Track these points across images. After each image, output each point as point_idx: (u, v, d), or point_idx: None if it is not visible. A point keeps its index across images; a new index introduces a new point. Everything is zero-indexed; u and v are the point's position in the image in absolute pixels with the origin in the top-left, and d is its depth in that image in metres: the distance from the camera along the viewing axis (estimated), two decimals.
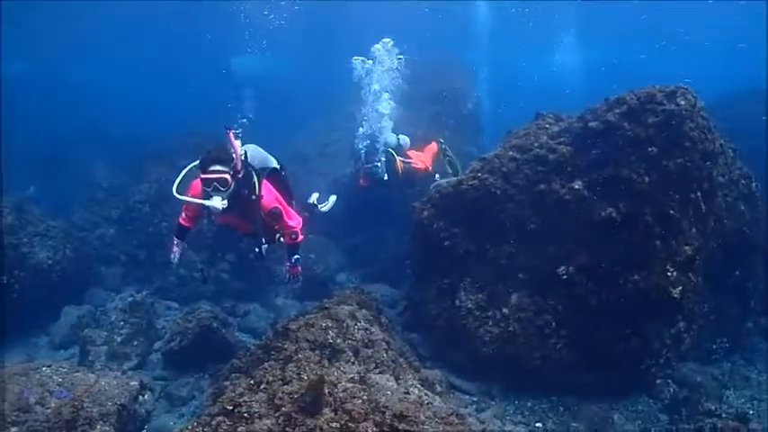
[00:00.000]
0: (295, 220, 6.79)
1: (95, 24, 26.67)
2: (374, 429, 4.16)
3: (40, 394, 5.70)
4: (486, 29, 28.86)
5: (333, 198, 8.67)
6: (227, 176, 5.68)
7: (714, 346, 8.55)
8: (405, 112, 12.34)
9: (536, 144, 7.58)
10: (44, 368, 6.22)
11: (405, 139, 11.34)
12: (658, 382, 7.37)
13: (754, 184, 8.67)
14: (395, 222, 11.72)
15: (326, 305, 6.57)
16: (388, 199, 11.38)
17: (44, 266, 10.09)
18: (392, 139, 11.04)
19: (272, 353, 5.53)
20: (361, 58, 11.85)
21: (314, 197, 8.53)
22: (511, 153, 7.71)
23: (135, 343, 8.60)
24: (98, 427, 5.61)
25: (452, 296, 7.59)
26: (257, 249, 6.43)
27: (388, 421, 4.29)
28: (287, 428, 4.25)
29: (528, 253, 7.33)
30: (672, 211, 6.46)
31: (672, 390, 7.34)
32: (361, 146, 10.80)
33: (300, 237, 6.86)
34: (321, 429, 4.10)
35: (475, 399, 7.01)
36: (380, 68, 11.58)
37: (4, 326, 8.98)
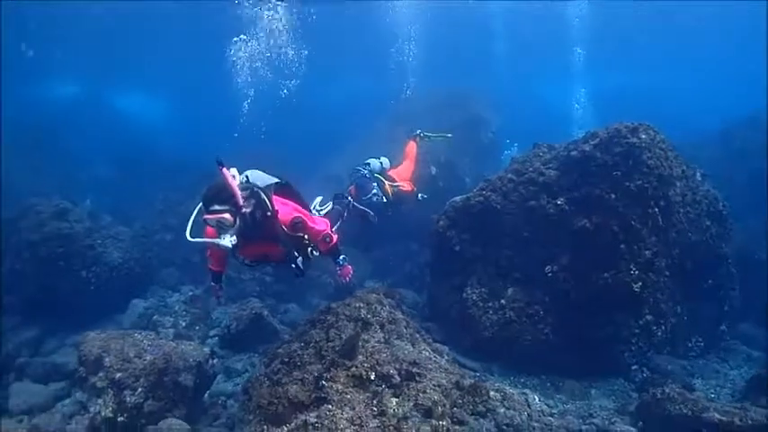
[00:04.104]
0: (321, 224, 6.66)
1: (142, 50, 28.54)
2: (394, 370, 5.79)
3: (136, 351, 7.21)
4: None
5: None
6: (227, 215, 5.45)
7: (690, 344, 9.41)
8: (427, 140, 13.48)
9: (530, 169, 9.11)
10: (136, 334, 7.74)
11: (386, 161, 11.51)
12: (633, 368, 8.40)
13: (721, 204, 9.85)
14: (414, 237, 13.15)
15: (358, 294, 7.86)
16: (401, 217, 11.91)
17: (116, 264, 11.74)
18: (376, 164, 11.17)
19: (317, 324, 6.89)
20: None
21: (317, 201, 8.66)
22: (509, 176, 9.23)
23: (196, 328, 10.22)
24: (182, 375, 7.04)
25: (461, 291, 8.98)
26: (294, 266, 6.35)
27: (405, 366, 5.91)
28: (331, 368, 5.89)
29: (521, 255, 8.75)
30: (633, 222, 7.89)
31: (644, 374, 8.36)
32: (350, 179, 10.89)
33: (335, 237, 6.75)
34: (356, 367, 5.75)
35: (477, 374, 8.23)
36: None
37: (80, 312, 10.51)
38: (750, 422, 6.48)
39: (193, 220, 5.79)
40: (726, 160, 16.42)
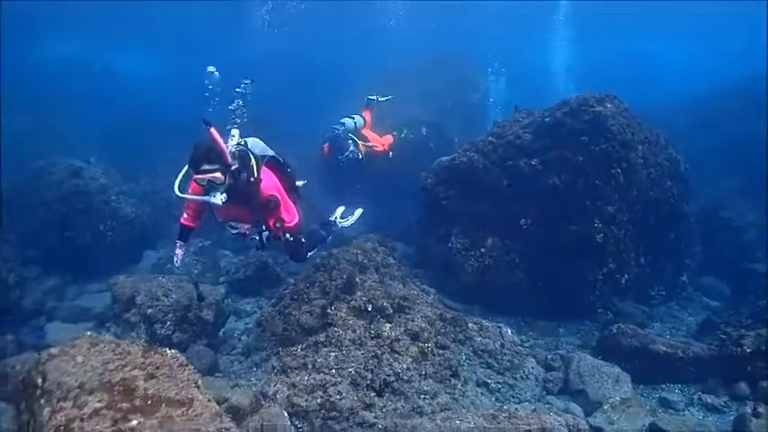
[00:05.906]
0: (290, 215, 6.32)
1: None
2: (387, 303, 6.88)
3: (163, 291, 8.12)
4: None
5: (358, 212, 8.70)
6: (218, 174, 5.42)
7: (653, 293, 10.43)
8: (417, 103, 14.17)
9: (509, 132, 10.08)
10: (160, 278, 8.66)
11: (360, 120, 11.63)
12: (599, 311, 9.51)
13: (682, 166, 10.87)
14: (405, 196, 13.96)
15: (355, 242, 8.88)
16: (396, 176, 12.90)
17: (130, 218, 12.60)
18: (350, 124, 11.26)
19: (321, 268, 7.90)
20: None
21: (338, 212, 8.57)
22: (490, 138, 10.19)
23: (207, 275, 11.17)
24: (204, 311, 8.04)
25: (446, 241, 9.95)
26: (257, 237, 6.15)
27: (396, 300, 7.01)
28: (335, 302, 6.98)
29: (500, 209, 9.72)
30: (597, 181, 8.91)
31: (608, 317, 9.42)
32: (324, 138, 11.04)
33: (287, 231, 6.28)
34: (356, 300, 6.84)
35: (460, 314, 9.30)
36: None
37: (97, 263, 11.39)
38: (691, 355, 7.68)
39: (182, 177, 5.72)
40: (701, 125, 17.35)
